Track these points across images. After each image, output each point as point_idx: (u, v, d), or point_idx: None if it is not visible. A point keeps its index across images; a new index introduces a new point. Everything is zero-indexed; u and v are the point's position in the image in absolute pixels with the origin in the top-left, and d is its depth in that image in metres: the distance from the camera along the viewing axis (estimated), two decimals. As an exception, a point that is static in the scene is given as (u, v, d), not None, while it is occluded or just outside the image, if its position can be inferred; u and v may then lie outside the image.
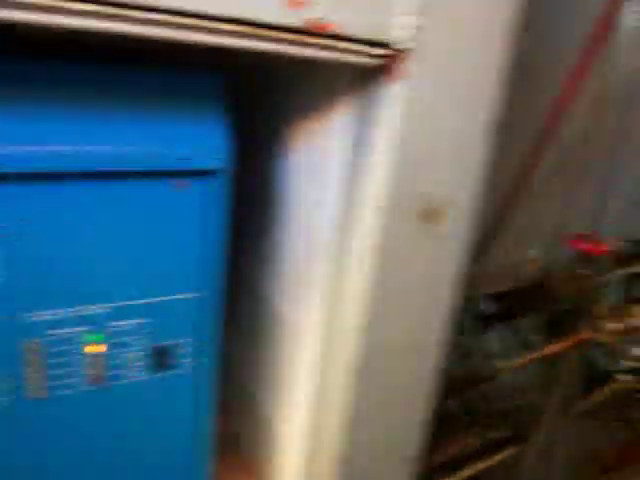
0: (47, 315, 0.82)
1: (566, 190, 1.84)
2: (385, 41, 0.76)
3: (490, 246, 1.58)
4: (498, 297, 2.62)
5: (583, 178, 1.86)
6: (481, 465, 2.36)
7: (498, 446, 2.52)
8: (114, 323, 0.87)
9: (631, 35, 1.78)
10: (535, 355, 1.66)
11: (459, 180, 0.89)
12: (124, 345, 0.89)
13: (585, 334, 1.54)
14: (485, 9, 0.82)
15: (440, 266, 0.93)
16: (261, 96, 1.13)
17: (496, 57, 0.86)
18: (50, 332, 0.83)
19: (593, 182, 1.93)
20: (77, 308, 0.84)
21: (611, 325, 1.53)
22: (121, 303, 0.87)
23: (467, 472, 2.31)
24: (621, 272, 1.96)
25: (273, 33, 0.67)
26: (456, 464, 2.31)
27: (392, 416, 0.99)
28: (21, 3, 0.55)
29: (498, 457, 2.44)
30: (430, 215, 0.87)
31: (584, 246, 1.68)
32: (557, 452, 2.67)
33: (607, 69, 1.75)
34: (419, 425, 1.05)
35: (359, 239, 0.87)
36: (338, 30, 0.71)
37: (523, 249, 1.79)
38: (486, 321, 2.59)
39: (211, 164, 0.85)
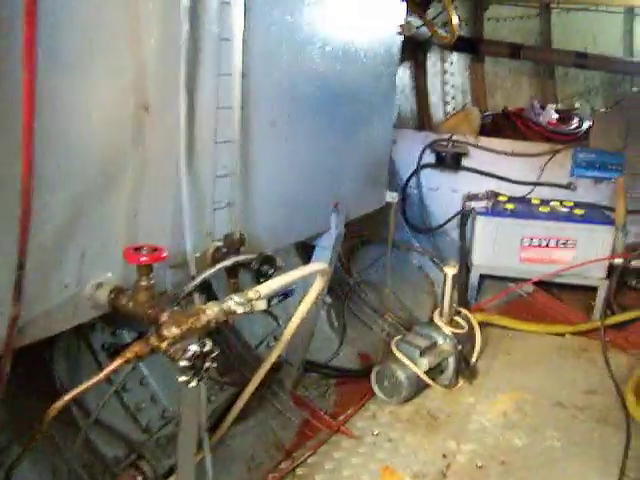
0: None
1: (125, 204, 1.81)
2: None
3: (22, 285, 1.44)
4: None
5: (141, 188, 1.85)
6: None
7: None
8: None
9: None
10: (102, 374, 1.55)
11: None
12: None
13: (139, 347, 1.50)
14: None
15: None
16: None
17: None
18: None
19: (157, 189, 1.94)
20: None
21: (171, 331, 1.52)
22: None
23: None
24: (211, 271, 2.00)
25: None
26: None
27: None
28: None
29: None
30: None
31: (139, 259, 1.65)
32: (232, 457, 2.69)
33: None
34: None
35: None
36: None
37: (90, 277, 1.71)
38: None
39: None
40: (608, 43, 7.54)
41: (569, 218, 4.53)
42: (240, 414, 2.71)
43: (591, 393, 3.58)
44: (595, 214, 4.64)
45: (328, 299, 3.73)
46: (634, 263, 4.29)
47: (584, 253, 4.42)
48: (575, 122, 5.46)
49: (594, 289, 4.50)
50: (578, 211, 4.60)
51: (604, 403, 3.45)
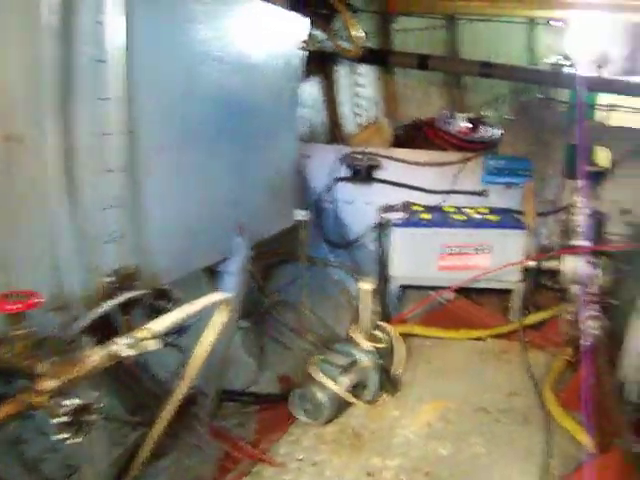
0: None
1: None
2: None
3: None
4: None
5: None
6: None
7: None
8: None
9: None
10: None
11: None
12: None
13: (11, 407, 1.36)
14: None
15: None
16: None
17: None
18: None
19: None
20: None
21: (48, 384, 1.38)
22: None
23: None
24: (98, 310, 1.86)
25: None
26: None
27: None
28: None
29: None
30: None
31: (4, 307, 1.49)
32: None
33: None
34: None
35: None
36: None
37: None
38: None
39: None
40: (512, 52, 7.81)
41: (483, 224, 4.60)
42: (155, 453, 2.56)
43: (513, 395, 3.63)
44: (508, 219, 4.74)
45: (243, 323, 3.61)
46: (546, 264, 4.39)
47: (500, 257, 4.48)
48: (484, 130, 5.60)
49: (512, 292, 4.59)
50: (492, 217, 4.69)
51: (526, 404, 3.51)
